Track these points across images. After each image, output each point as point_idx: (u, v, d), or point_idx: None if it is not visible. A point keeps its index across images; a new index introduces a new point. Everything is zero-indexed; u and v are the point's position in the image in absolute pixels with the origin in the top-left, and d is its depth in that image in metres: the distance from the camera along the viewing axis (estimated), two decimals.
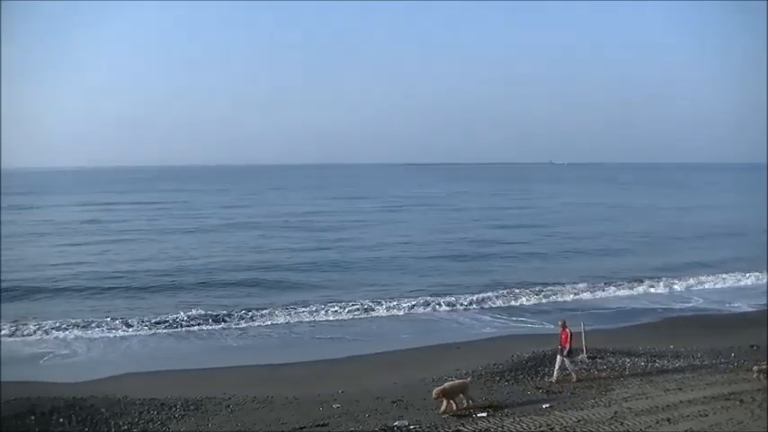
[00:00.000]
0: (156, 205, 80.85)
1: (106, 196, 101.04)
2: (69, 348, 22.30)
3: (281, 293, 29.93)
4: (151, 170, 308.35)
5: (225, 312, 26.10)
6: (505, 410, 14.56)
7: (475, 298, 28.90)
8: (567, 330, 17.20)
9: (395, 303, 27.72)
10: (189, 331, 24.37)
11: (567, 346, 17.04)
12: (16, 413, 14.66)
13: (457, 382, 15.27)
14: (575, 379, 16.89)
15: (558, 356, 17.20)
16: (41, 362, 20.81)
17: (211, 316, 25.59)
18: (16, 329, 23.79)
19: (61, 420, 14.49)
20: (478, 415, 14.28)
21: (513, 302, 28.67)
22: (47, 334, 23.56)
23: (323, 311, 26.67)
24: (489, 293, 29.65)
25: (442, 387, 14.80)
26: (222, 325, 24.96)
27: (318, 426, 13.94)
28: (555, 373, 17.16)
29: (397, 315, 26.70)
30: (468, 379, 15.74)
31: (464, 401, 14.84)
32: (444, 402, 14.57)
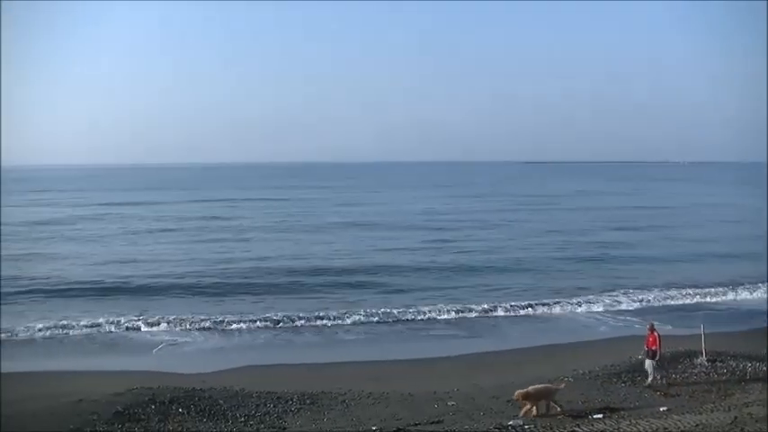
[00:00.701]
0: (275, 203, 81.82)
1: (224, 192, 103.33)
2: (190, 341, 23.02)
3: (399, 293, 30.04)
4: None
5: (344, 311, 26.27)
6: (621, 412, 14.34)
7: (596, 299, 28.44)
8: (656, 333, 17.05)
9: (514, 304, 27.39)
10: (305, 326, 24.74)
11: (655, 349, 16.89)
12: (138, 401, 14.95)
13: (542, 386, 15.01)
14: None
15: (647, 360, 17.05)
16: (162, 354, 21.59)
17: (324, 315, 25.78)
18: (140, 323, 24.53)
19: (180, 410, 14.67)
20: (594, 416, 14.19)
21: (632, 304, 28.00)
22: (169, 328, 24.28)
23: (442, 310, 26.55)
24: (610, 294, 29.19)
25: (525, 390, 14.57)
26: (337, 321, 25.23)
27: (433, 423, 13.88)
28: (649, 377, 16.99)
29: (516, 315, 26.45)
30: (562, 385, 15.55)
31: (548, 407, 14.64)
32: (526, 406, 14.41)
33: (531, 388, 14.50)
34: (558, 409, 14.39)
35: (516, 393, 14.31)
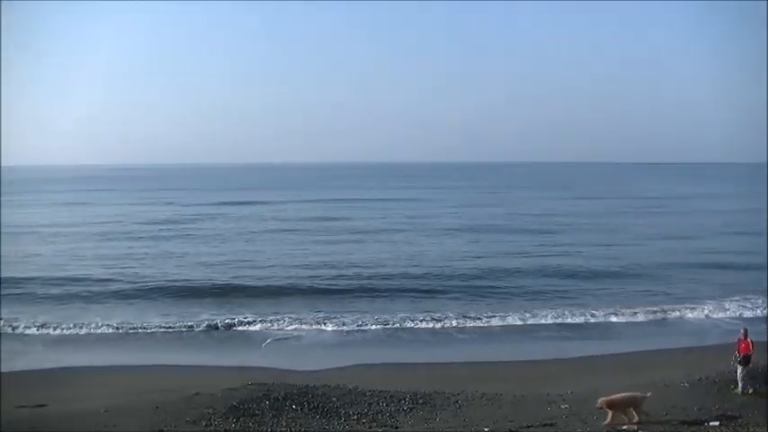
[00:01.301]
0: (387, 203, 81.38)
1: (331, 192, 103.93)
2: (305, 340, 23.51)
3: (513, 297, 29.72)
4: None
5: (457, 312, 26.29)
6: (739, 420, 14.16)
7: (716, 304, 27.46)
8: (749, 340, 16.65)
9: (631, 310, 26.67)
10: (418, 326, 24.85)
11: (748, 355, 16.45)
12: (252, 397, 15.14)
13: (628, 394, 14.68)
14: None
15: (739, 367, 16.61)
16: (276, 351, 22.12)
17: (438, 317, 25.73)
18: (257, 321, 25.16)
19: (294, 407, 14.78)
20: (711, 424, 13.98)
21: (756, 311, 26.88)
22: (284, 326, 24.79)
23: (558, 313, 26.29)
24: (732, 299, 28.11)
25: (609, 398, 14.32)
26: (451, 323, 25.18)
27: (545, 425, 13.66)
28: (739, 384, 16.57)
29: (635, 320, 25.81)
30: (648, 394, 15.20)
31: (634, 416, 14.29)
32: (609, 414, 14.10)
33: (615, 396, 14.23)
34: (636, 419, 14.04)
35: (600, 401, 14.01)
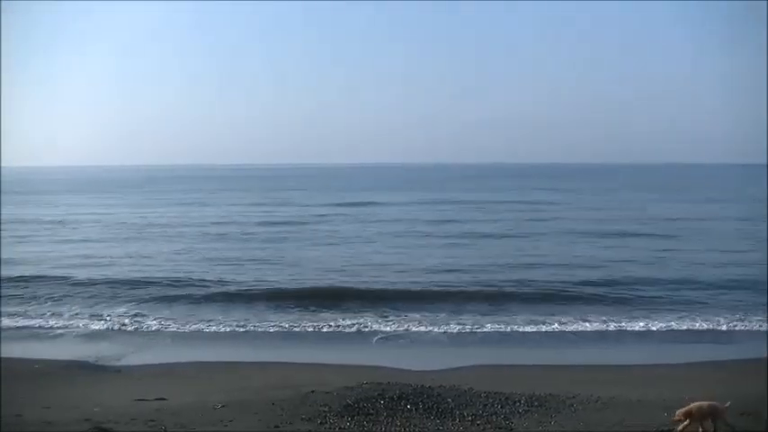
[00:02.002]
0: (503, 205, 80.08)
1: (439, 193, 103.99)
2: (422, 340, 23.63)
3: (631, 303, 28.77)
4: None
5: (575, 317, 26.02)
6: None
7: None
8: None
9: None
10: (537, 329, 24.69)
11: None
12: (368, 396, 15.13)
13: (706, 403, 14.10)
14: None
15: None
16: (391, 350, 22.42)
17: (552, 320, 25.61)
18: (375, 322, 25.51)
19: (408, 407, 14.74)
20: None
21: None
22: (404, 326, 24.93)
23: (676, 320, 25.52)
24: None
25: (687, 408, 13.71)
26: (567, 327, 24.94)
27: None
28: None
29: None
30: (727, 404, 14.48)
31: (711, 427, 13.65)
32: (684, 424, 13.53)
33: (693, 405, 13.65)
34: (726, 428, 13.45)
35: (677, 413, 13.53)
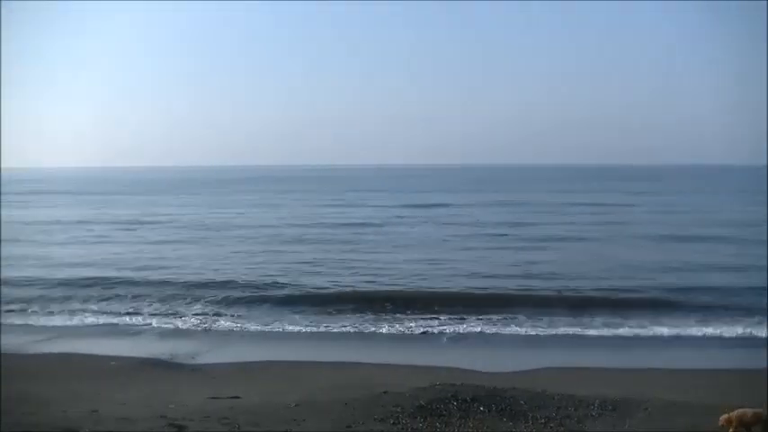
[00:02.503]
0: (577, 207, 78.31)
1: (512, 195, 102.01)
2: (496, 341, 23.67)
3: (710, 309, 27.88)
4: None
5: (651, 320, 25.70)
6: None
7: None
8: None
9: None
10: (608, 334, 24.44)
11: None
12: (441, 397, 15.07)
13: (750, 410, 13.60)
14: None
15: None
16: (465, 352, 22.20)
17: (627, 323, 25.38)
18: (448, 323, 25.52)
19: (481, 408, 14.65)
20: None
21: None
22: (478, 327, 25.01)
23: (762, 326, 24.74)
24: None
25: (728, 415, 13.28)
26: (641, 331, 24.65)
27: None
28: None
29: None
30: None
31: None
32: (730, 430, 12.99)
33: (735, 412, 13.19)
34: None
35: (721, 419, 13.07)
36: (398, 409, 14.33)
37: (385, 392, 15.61)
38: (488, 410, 14.60)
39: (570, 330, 24.60)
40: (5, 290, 30.61)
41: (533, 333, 24.46)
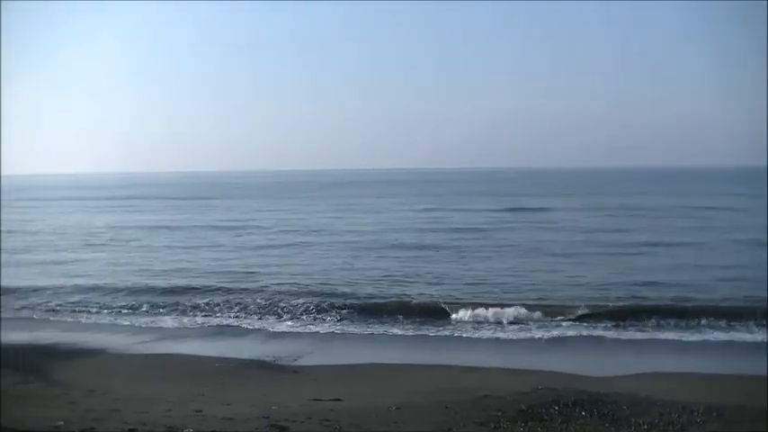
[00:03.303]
0: (677, 210, 74.81)
1: (605, 199, 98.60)
2: (600, 345, 23.44)
3: None
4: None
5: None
6: None
7: None
8: None
9: None
10: (718, 340, 23.91)
11: None
12: (542, 401, 15.01)
13: None
14: None
15: None
16: (568, 356, 22.16)
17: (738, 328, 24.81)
18: (548, 326, 25.49)
19: (583, 413, 14.50)
20: None
21: None
22: (582, 332, 24.86)
23: None
24: None
25: None
26: (754, 337, 23.99)
27: None
28: None
29: None
30: None
31: None
32: None
33: None
34: None
35: None
36: (499, 413, 14.33)
37: (486, 396, 15.68)
38: (590, 415, 14.45)
39: (674, 335, 24.13)
40: (116, 293, 31.69)
41: (637, 337, 24.11)
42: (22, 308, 29.57)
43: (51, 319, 28.05)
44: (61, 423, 13.09)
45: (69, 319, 27.95)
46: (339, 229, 60.17)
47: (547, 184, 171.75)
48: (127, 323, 27.17)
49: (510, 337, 24.67)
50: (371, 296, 30.51)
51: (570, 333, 24.77)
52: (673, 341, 23.75)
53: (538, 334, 24.76)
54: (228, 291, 32.19)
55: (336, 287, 32.56)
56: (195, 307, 29.14)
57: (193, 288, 32.93)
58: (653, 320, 25.80)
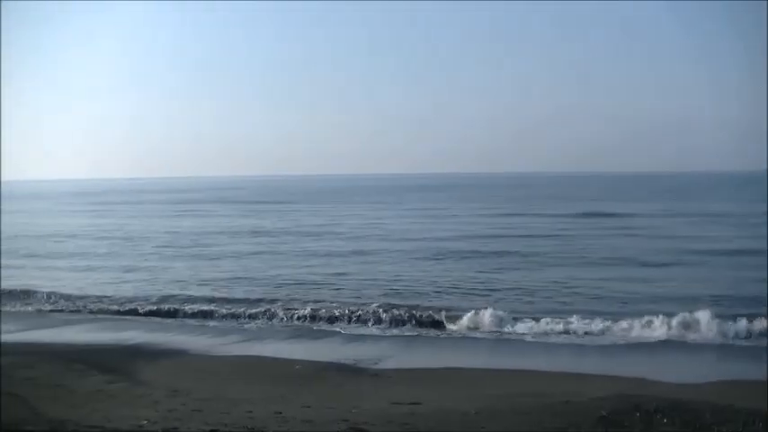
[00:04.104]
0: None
1: (679, 204, 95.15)
2: (680, 350, 23.14)
3: None
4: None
5: None
6: None
7: None
8: None
9: None
10: None
11: None
12: (623, 408, 14.85)
13: None
14: None
15: None
16: (648, 361, 21.93)
17: None
18: (627, 330, 25.26)
19: (665, 421, 14.32)
20: None
21: None
22: (663, 336, 24.61)
23: None
24: None
25: None
26: None
27: None
28: None
29: None
30: None
31: None
32: None
33: None
34: None
35: None
36: (579, 419, 14.29)
37: (566, 402, 15.60)
38: (672, 423, 14.30)
39: (760, 342, 23.55)
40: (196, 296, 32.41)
41: (719, 342, 23.74)
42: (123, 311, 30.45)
43: (138, 320, 28.88)
44: (145, 422, 13.51)
45: (157, 320, 28.88)
46: (421, 235, 59.39)
47: (617, 188, 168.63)
48: (212, 325, 27.85)
49: (585, 342, 24.54)
50: (450, 308, 29.83)
51: (646, 338, 24.53)
52: (749, 348, 23.27)
53: (613, 340, 24.57)
54: (309, 292, 32.99)
55: (420, 293, 32.80)
56: (272, 312, 29.50)
57: (277, 289, 33.91)
58: (731, 326, 25.01)
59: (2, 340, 23.91)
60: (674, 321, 25.31)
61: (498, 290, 33.68)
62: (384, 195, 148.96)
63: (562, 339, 24.82)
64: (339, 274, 38.99)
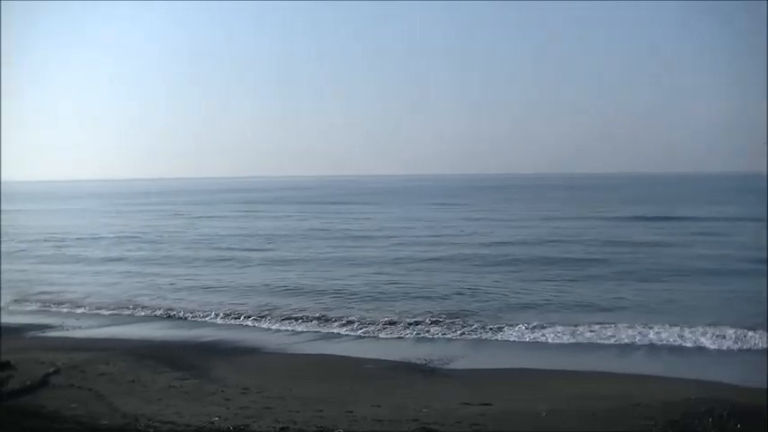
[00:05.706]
0: None
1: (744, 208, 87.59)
2: (751, 353, 22.78)
3: None
4: None
5: None
6: None
7: None
8: None
9: None
10: None
11: None
12: (694, 412, 14.70)
13: None
14: None
15: None
16: (719, 364, 21.70)
17: None
18: (699, 336, 24.57)
19: (738, 426, 14.08)
20: None
21: None
22: (734, 342, 23.92)
23: None
24: None
25: None
26: None
27: None
28: None
29: None
30: None
31: None
32: None
33: None
34: None
35: None
36: (650, 423, 14.20)
37: (636, 405, 15.53)
38: (745, 428, 14.14)
39: None
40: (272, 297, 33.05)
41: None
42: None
43: (219, 322, 28.85)
44: (216, 419, 13.90)
45: (233, 321, 28.87)
46: (501, 240, 57.49)
47: (676, 190, 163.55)
48: (285, 327, 27.71)
49: (655, 342, 24.17)
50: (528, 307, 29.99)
51: (716, 342, 23.91)
52: None
53: (682, 343, 24.12)
54: (383, 294, 33.08)
55: (494, 297, 32.33)
56: (344, 314, 29.13)
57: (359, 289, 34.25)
58: None
59: (81, 336, 24.72)
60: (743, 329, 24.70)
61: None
62: (445, 198, 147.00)
63: (628, 341, 24.38)
64: (409, 274, 39.13)
